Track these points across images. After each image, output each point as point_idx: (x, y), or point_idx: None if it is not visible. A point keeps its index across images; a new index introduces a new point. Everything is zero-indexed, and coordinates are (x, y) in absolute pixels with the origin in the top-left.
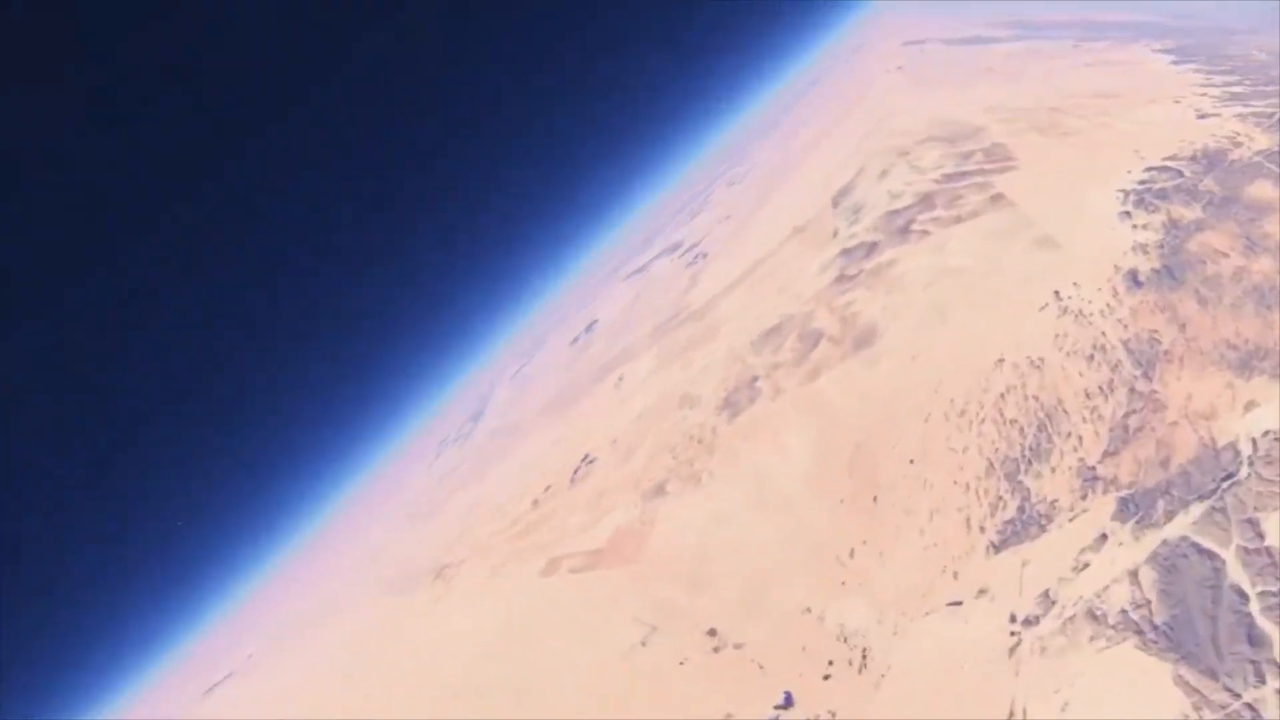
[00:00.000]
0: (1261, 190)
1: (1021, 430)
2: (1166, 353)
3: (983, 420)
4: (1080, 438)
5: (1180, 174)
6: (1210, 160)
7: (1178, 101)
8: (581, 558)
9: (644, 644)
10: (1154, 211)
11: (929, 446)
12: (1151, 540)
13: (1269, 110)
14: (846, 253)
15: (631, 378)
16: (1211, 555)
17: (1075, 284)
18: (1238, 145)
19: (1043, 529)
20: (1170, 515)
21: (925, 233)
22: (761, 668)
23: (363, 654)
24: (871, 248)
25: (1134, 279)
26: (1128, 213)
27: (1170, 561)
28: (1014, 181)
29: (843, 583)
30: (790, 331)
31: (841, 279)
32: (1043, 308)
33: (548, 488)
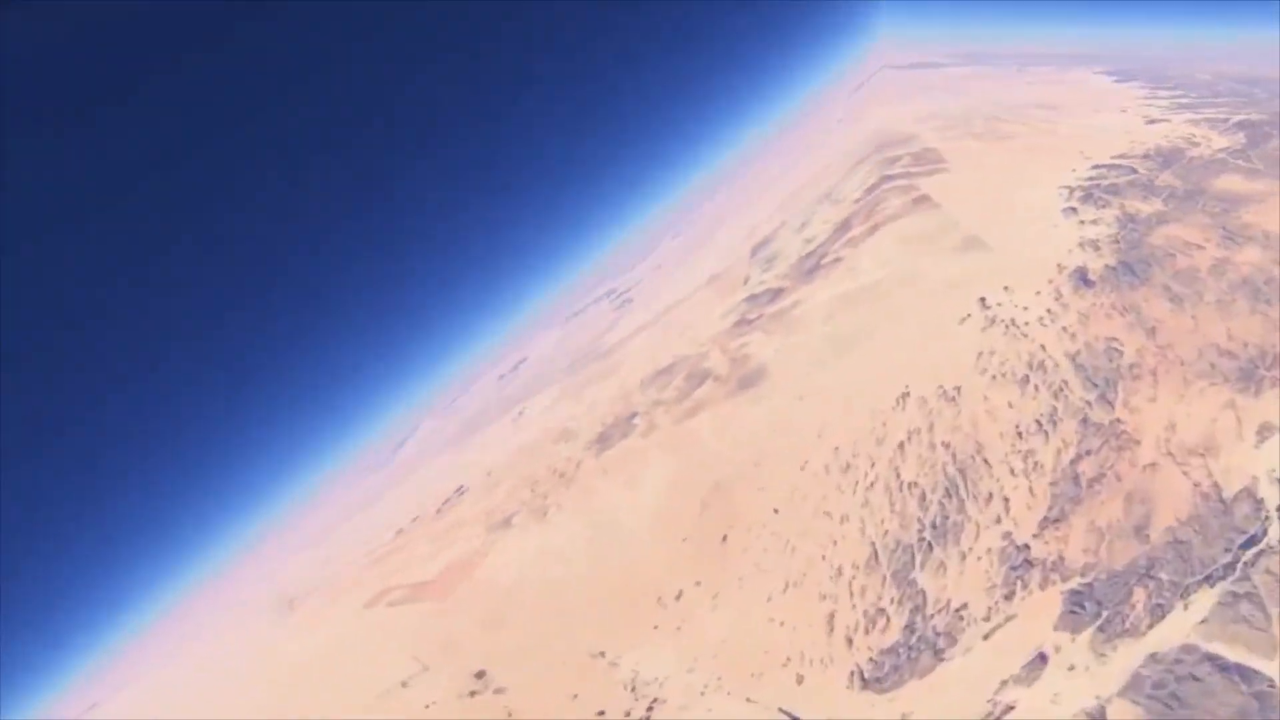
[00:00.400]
0: (1231, 183)
1: (923, 497)
2: (1133, 367)
3: (871, 484)
4: (1006, 500)
5: (1133, 170)
6: (1166, 158)
7: (1124, 111)
8: (404, 590)
9: (405, 685)
10: (1105, 206)
11: (800, 501)
12: (1128, 657)
13: (1223, 116)
14: (752, 298)
15: (530, 412)
16: (1244, 672)
17: (1006, 288)
18: (1195, 145)
19: (939, 658)
20: (1159, 613)
21: (837, 260)
22: (509, 714)
23: (199, 679)
24: (777, 293)
25: (1082, 278)
26: (1073, 208)
27: (1169, 690)
28: (941, 183)
29: (655, 626)
30: (680, 371)
31: (741, 323)
32: (963, 320)
33: (415, 518)
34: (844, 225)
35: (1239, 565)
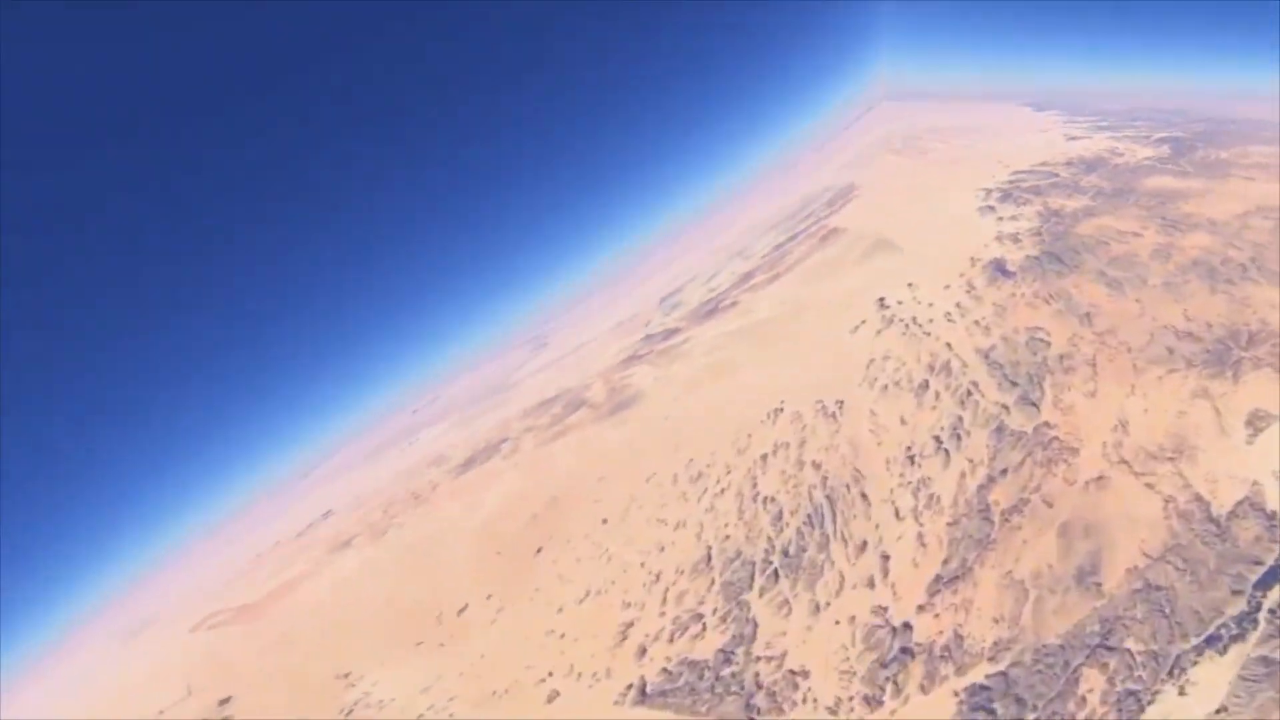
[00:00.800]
0: (1162, 182)
1: (779, 515)
2: (1063, 358)
3: (722, 491)
4: (886, 558)
5: (1055, 174)
6: (1090, 165)
7: (1044, 131)
8: (228, 613)
9: (162, 711)
10: (1025, 204)
11: (636, 510)
12: None
13: (1144, 135)
14: (648, 338)
15: (423, 439)
16: None
17: (910, 285)
18: (1119, 155)
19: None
20: (1132, 707)
21: (734, 304)
22: None
23: (56, 696)
24: (671, 333)
25: (1000, 269)
26: (990, 207)
27: None
28: (851, 210)
29: (420, 643)
30: (561, 401)
31: (631, 358)
32: (856, 328)
33: (277, 541)
34: (747, 275)
35: (1260, 614)
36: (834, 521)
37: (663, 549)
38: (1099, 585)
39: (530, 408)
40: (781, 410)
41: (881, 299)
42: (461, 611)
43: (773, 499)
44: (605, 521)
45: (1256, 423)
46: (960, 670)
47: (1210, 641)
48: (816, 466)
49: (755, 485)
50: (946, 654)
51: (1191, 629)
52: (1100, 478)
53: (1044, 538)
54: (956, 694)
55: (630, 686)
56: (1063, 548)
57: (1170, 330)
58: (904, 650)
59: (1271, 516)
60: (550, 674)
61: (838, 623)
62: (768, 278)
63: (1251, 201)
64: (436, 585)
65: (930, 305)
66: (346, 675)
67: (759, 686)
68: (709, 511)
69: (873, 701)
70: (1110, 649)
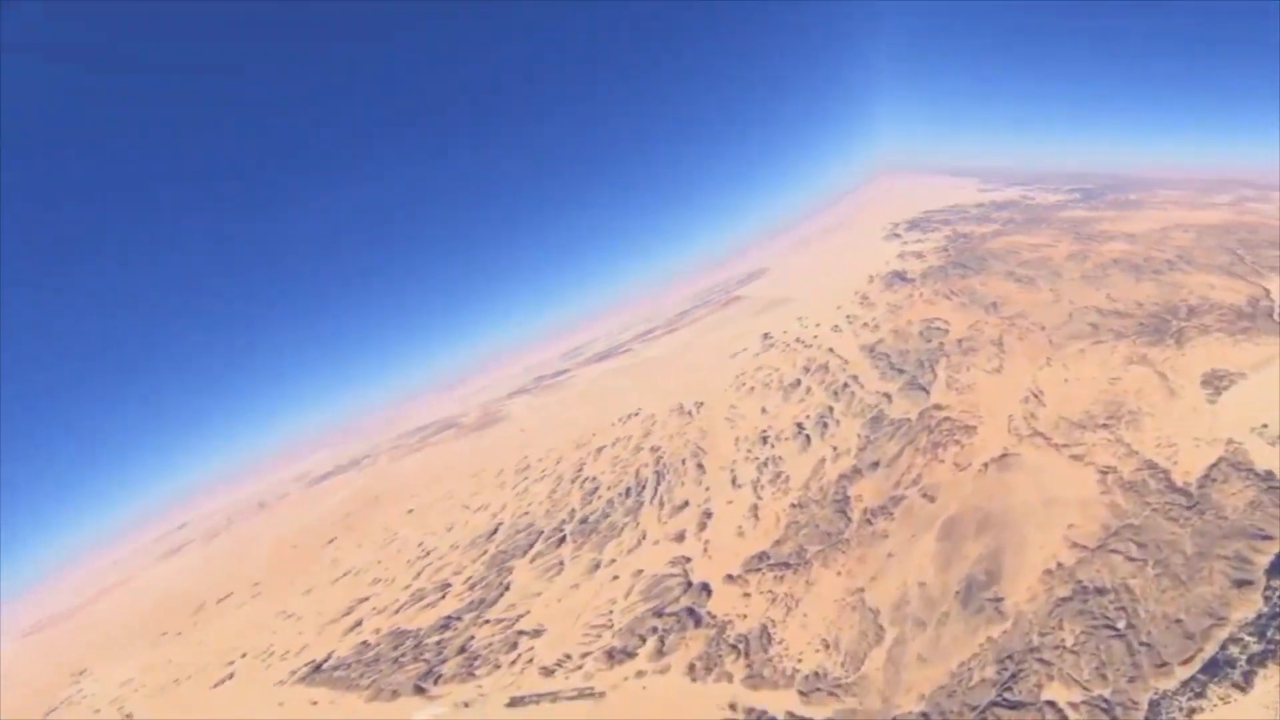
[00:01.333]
0: (1074, 213)
1: (594, 490)
2: (963, 341)
3: (541, 477)
4: (708, 515)
5: (966, 210)
6: (1001, 205)
7: (957, 187)
8: (47, 619)
9: None
10: (933, 231)
11: (446, 499)
12: None
13: (1052, 187)
14: (539, 377)
15: (309, 465)
16: None
17: (800, 318)
18: (1031, 198)
19: (432, 674)
20: None
21: (628, 350)
22: None
23: None
24: (561, 372)
25: (899, 278)
26: (896, 235)
27: None
28: (757, 283)
29: (164, 634)
30: (434, 425)
31: (515, 392)
32: (736, 354)
33: (134, 550)
34: (648, 331)
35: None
36: (656, 489)
37: (450, 529)
38: (998, 604)
39: (407, 431)
40: (636, 414)
41: (767, 333)
42: (221, 600)
43: (593, 479)
44: (411, 511)
45: (1216, 382)
46: (751, 679)
47: (1213, 670)
48: (654, 450)
49: (580, 470)
50: (741, 646)
51: (1172, 650)
52: (1004, 455)
53: (918, 544)
54: (733, 708)
55: (309, 664)
56: (944, 555)
57: (1092, 309)
58: (690, 612)
59: (1268, 477)
60: (243, 655)
61: (616, 578)
62: (665, 330)
63: (1169, 221)
64: (223, 578)
65: (817, 325)
66: (82, 671)
67: (462, 651)
68: (519, 495)
69: (617, 656)
70: (1019, 708)
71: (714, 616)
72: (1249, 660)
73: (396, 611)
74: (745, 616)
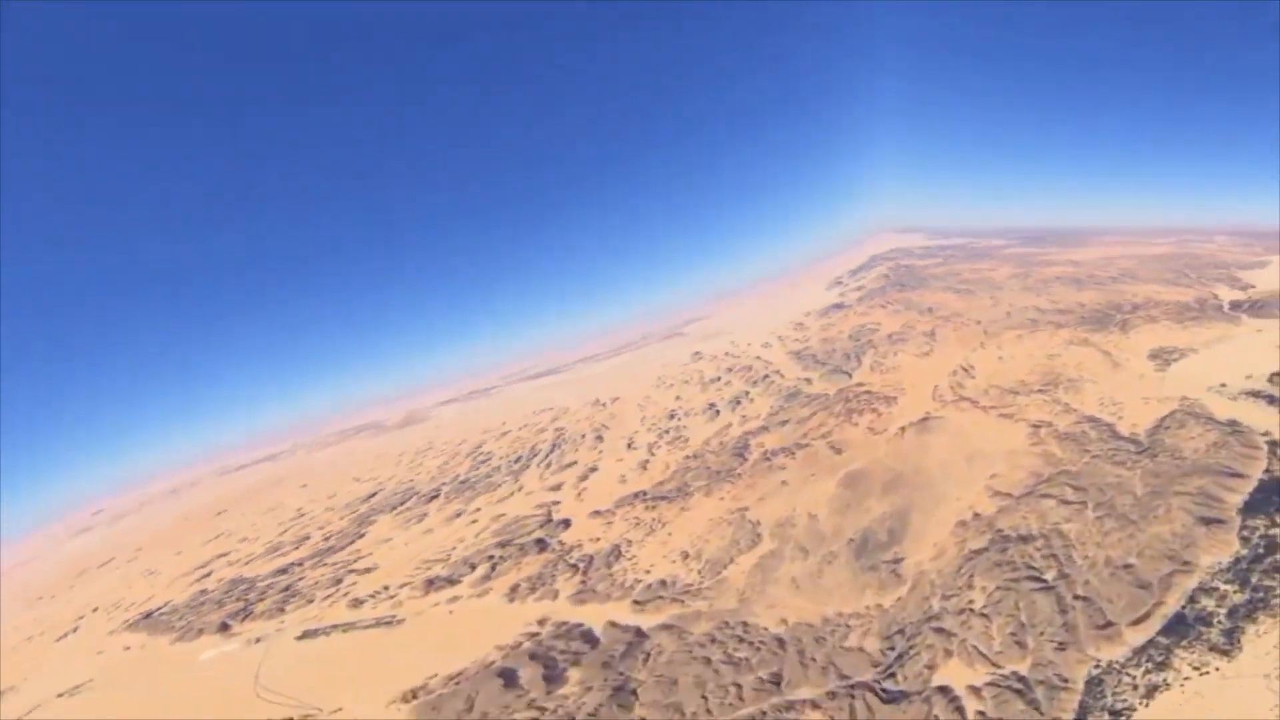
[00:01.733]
0: (1019, 250)
1: (485, 461)
2: (893, 335)
3: (439, 455)
4: (598, 462)
5: (910, 252)
6: (945, 247)
7: (904, 238)
8: None
9: None
10: (874, 269)
11: (338, 475)
12: None
13: (998, 235)
14: (472, 392)
15: (230, 459)
16: None
17: (733, 342)
18: (976, 241)
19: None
20: None
21: (567, 370)
22: None
23: None
24: (490, 389)
25: (836, 308)
26: (840, 280)
27: None
28: (699, 324)
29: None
30: (356, 426)
31: (448, 400)
32: (663, 369)
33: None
34: (591, 356)
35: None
36: (548, 456)
37: (332, 496)
38: (896, 566)
39: (328, 432)
40: (550, 409)
41: (697, 352)
42: (102, 565)
43: (488, 453)
44: (304, 486)
45: (1165, 356)
46: (580, 595)
47: (1179, 631)
48: (558, 430)
49: (479, 448)
50: (582, 565)
51: (1120, 606)
52: (925, 419)
53: (817, 484)
54: (541, 623)
55: (142, 613)
56: (843, 501)
57: (1032, 309)
58: (538, 542)
59: (1233, 424)
60: (94, 610)
61: (475, 522)
62: (608, 354)
63: (1113, 253)
64: (111, 548)
65: (748, 345)
66: None
67: (285, 590)
68: (410, 469)
69: (437, 584)
70: (899, 700)
71: (563, 544)
72: (1230, 614)
73: (247, 563)
74: (599, 540)
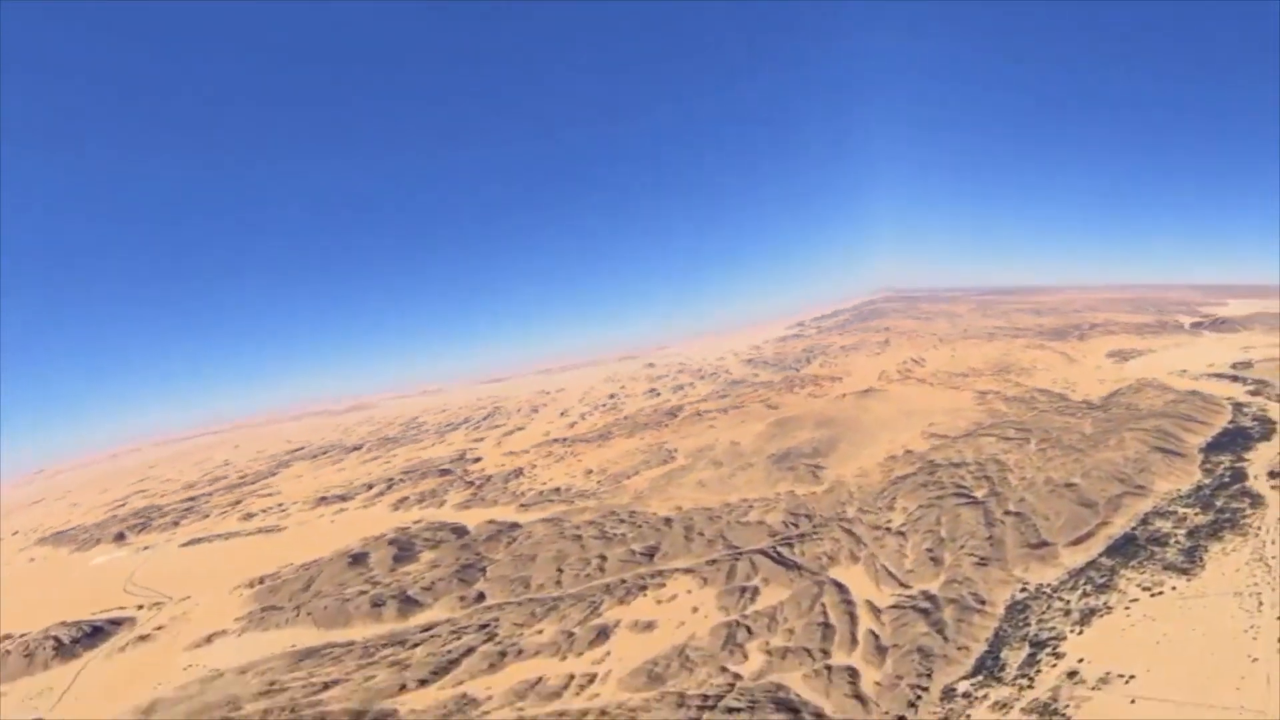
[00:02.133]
0: (983, 297)
1: (415, 428)
2: (845, 348)
3: (375, 425)
4: (526, 426)
5: (873, 303)
6: (909, 295)
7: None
8: None
9: None
10: (834, 318)
11: (270, 440)
12: None
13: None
14: (424, 390)
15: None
16: None
17: (681, 368)
18: (940, 293)
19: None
20: None
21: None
22: None
23: None
24: (434, 391)
25: (793, 336)
26: (801, 324)
27: None
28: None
29: None
30: (310, 411)
31: (399, 396)
32: (603, 381)
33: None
34: (545, 370)
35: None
36: (479, 424)
37: (260, 451)
38: (816, 469)
39: (273, 416)
40: (495, 399)
41: (651, 363)
42: (34, 504)
43: (422, 423)
44: (237, 446)
45: (1123, 354)
46: (466, 504)
47: (1126, 552)
48: (497, 407)
49: (415, 420)
50: (479, 483)
51: (1058, 525)
52: (868, 391)
53: (746, 427)
54: (416, 523)
55: (53, 532)
56: (770, 434)
57: (990, 328)
58: (442, 471)
59: (1192, 392)
60: (15, 533)
61: (388, 464)
62: (560, 371)
63: (1074, 297)
64: (48, 488)
65: (703, 359)
66: None
67: (186, 511)
68: (342, 433)
69: (330, 501)
70: (792, 567)
71: (468, 471)
72: (1191, 534)
73: (162, 496)
74: (502, 466)
